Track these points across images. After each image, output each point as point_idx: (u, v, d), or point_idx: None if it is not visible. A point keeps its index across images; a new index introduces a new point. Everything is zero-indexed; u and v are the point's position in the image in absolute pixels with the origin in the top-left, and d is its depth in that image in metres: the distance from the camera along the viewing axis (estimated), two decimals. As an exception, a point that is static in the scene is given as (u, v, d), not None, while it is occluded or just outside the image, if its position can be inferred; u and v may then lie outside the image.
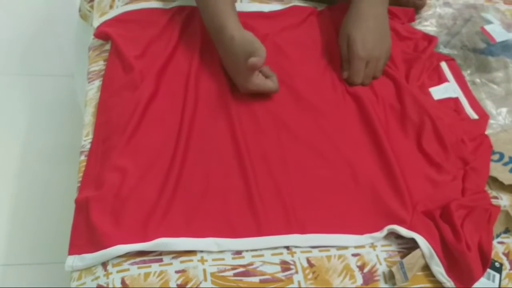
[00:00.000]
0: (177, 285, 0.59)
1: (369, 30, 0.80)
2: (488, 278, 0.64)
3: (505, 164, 0.75)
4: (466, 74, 0.88)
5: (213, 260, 0.61)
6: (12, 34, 1.53)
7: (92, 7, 0.92)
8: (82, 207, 0.65)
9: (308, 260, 0.63)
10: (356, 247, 0.65)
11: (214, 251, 0.62)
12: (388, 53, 0.83)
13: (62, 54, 1.46)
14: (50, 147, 1.30)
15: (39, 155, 1.29)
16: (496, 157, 0.77)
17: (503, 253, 0.68)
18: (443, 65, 0.88)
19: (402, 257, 0.64)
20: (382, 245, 0.66)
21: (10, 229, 1.16)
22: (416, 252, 0.65)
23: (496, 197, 0.73)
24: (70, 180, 0.85)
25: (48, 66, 1.48)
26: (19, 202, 1.20)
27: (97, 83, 0.80)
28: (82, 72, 0.95)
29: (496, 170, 0.75)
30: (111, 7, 0.88)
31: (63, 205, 0.98)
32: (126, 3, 0.88)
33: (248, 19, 0.86)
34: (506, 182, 0.73)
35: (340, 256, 0.64)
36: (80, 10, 0.97)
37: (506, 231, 0.70)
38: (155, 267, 0.60)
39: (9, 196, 1.20)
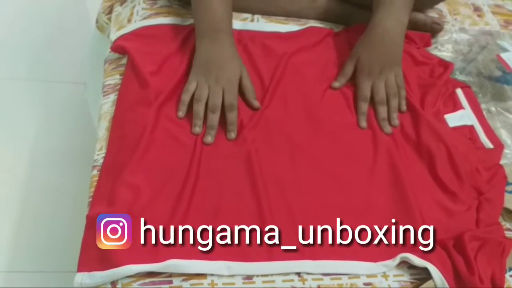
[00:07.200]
0: (186, 308, 0.58)
1: (379, 56, 0.81)
2: (500, 313, 0.64)
3: (520, 196, 0.75)
4: (482, 102, 0.88)
5: (224, 284, 0.61)
6: (23, 39, 1.54)
7: (109, 19, 0.93)
8: (93, 224, 0.64)
9: (319, 288, 0.62)
10: (368, 276, 0.64)
11: (224, 275, 0.61)
12: (399, 76, 0.82)
13: (74, 61, 1.47)
14: (59, 153, 1.30)
15: (48, 160, 1.29)
16: (510, 188, 0.76)
17: (516, 287, 0.67)
18: (459, 92, 0.87)
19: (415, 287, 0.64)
20: (394, 275, 0.65)
21: (16, 235, 1.15)
22: (429, 283, 0.64)
23: (509, 229, 0.73)
24: (78, 187, 0.85)
25: (59, 73, 1.48)
26: (26, 209, 1.20)
27: (112, 97, 0.80)
28: (95, 82, 0.95)
29: (510, 201, 0.74)
30: (129, 21, 0.89)
31: (70, 212, 0.98)
32: (144, 18, 0.88)
33: (265, 39, 0.87)
34: (520, 215, 0.73)
35: (352, 285, 0.63)
36: (97, 22, 0.97)
37: (519, 264, 0.70)
38: (164, 289, 0.60)
39: (16, 202, 1.20)
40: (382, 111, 0.80)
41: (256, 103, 0.77)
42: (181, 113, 0.75)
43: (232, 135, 0.73)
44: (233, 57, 0.79)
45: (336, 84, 0.82)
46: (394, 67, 0.82)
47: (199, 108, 0.74)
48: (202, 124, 0.74)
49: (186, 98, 0.75)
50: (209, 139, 0.72)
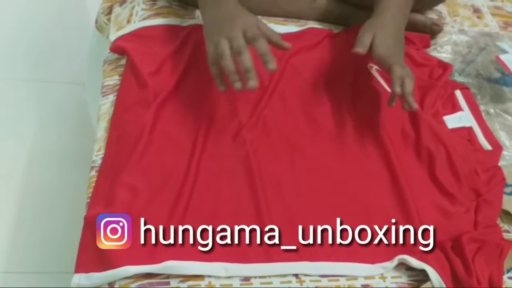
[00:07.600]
0: (184, 309, 0.58)
1: (392, 36, 0.76)
2: (498, 314, 0.64)
3: (518, 197, 0.75)
4: (481, 103, 0.88)
5: (221, 285, 0.61)
6: (22, 39, 1.54)
7: (109, 20, 0.93)
8: (91, 225, 0.64)
9: (317, 290, 0.62)
10: (366, 277, 0.64)
11: (222, 276, 0.61)
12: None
13: (73, 61, 1.47)
14: (57, 154, 1.29)
15: (46, 161, 1.28)
16: (508, 189, 0.76)
17: (514, 289, 0.67)
18: (458, 93, 0.87)
19: (412, 289, 0.64)
20: (392, 277, 0.65)
21: (13, 236, 1.15)
22: (427, 285, 0.64)
23: (507, 231, 0.73)
24: (76, 188, 0.85)
25: (58, 73, 1.48)
26: (23, 209, 1.19)
27: (111, 97, 0.80)
28: (94, 82, 0.95)
29: (509, 203, 0.74)
30: (128, 21, 0.88)
31: (68, 213, 0.98)
32: (144, 19, 0.88)
33: (265, 40, 0.86)
34: (519, 217, 0.73)
35: (349, 286, 0.63)
36: (96, 22, 0.97)
37: (517, 266, 0.70)
38: (162, 290, 0.60)
39: (14, 202, 1.20)
40: (410, 84, 0.69)
41: (285, 44, 0.69)
42: (222, 88, 0.67)
43: (271, 65, 0.63)
44: (243, 11, 0.71)
45: (358, 49, 0.71)
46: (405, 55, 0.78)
47: (226, 63, 0.64)
48: (239, 78, 0.64)
49: (214, 70, 0.66)
50: (251, 83, 0.63)
